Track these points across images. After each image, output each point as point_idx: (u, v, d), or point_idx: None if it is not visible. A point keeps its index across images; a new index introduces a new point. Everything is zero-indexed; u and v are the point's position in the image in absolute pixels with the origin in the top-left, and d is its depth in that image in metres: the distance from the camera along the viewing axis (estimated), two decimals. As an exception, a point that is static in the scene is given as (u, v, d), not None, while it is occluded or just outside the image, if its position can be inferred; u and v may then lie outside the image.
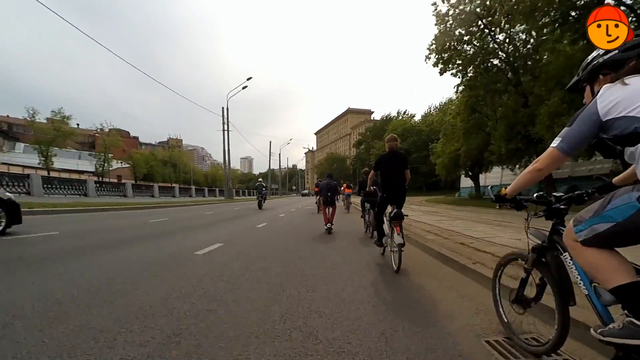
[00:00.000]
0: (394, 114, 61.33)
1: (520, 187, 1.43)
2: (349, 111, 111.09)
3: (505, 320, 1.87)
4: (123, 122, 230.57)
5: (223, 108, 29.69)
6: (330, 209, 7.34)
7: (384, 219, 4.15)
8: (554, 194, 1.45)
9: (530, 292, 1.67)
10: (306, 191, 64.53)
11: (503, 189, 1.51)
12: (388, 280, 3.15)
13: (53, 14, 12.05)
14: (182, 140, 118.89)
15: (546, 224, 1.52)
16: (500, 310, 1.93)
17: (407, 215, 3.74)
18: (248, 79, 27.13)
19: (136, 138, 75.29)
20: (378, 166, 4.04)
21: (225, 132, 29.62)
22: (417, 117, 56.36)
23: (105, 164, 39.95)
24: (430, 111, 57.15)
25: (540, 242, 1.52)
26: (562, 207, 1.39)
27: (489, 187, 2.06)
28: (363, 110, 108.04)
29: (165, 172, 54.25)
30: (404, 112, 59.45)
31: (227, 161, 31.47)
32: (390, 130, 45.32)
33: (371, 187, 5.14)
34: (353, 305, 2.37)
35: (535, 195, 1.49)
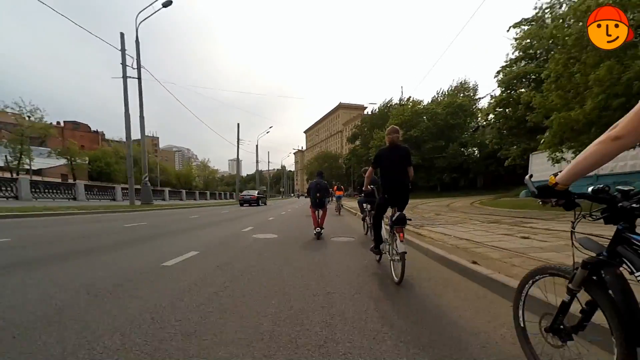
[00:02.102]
0: (395, 100, 56.86)
1: (583, 169, 1.10)
2: (340, 106, 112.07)
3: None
4: (113, 122, 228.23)
5: (122, 34, 18.78)
6: (320, 212, 7.23)
7: (383, 223, 4.07)
8: (619, 187, 1.16)
9: (570, 317, 1.43)
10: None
11: (552, 176, 1.22)
12: (393, 295, 3.09)
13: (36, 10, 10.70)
14: (158, 137, 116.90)
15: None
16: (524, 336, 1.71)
17: (410, 220, 3.58)
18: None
19: (97, 132, 73.34)
20: (378, 162, 3.91)
21: (135, 79, 19.12)
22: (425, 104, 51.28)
23: (23, 157, 35.31)
24: (437, 97, 56.18)
25: (594, 255, 1.25)
26: (634, 205, 1.08)
27: (528, 177, 1.78)
28: (355, 105, 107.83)
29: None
30: (408, 99, 50.15)
31: (142, 129, 20.27)
32: (395, 115, 40.79)
33: (368, 187, 4.84)
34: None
35: (590, 189, 1.19)
